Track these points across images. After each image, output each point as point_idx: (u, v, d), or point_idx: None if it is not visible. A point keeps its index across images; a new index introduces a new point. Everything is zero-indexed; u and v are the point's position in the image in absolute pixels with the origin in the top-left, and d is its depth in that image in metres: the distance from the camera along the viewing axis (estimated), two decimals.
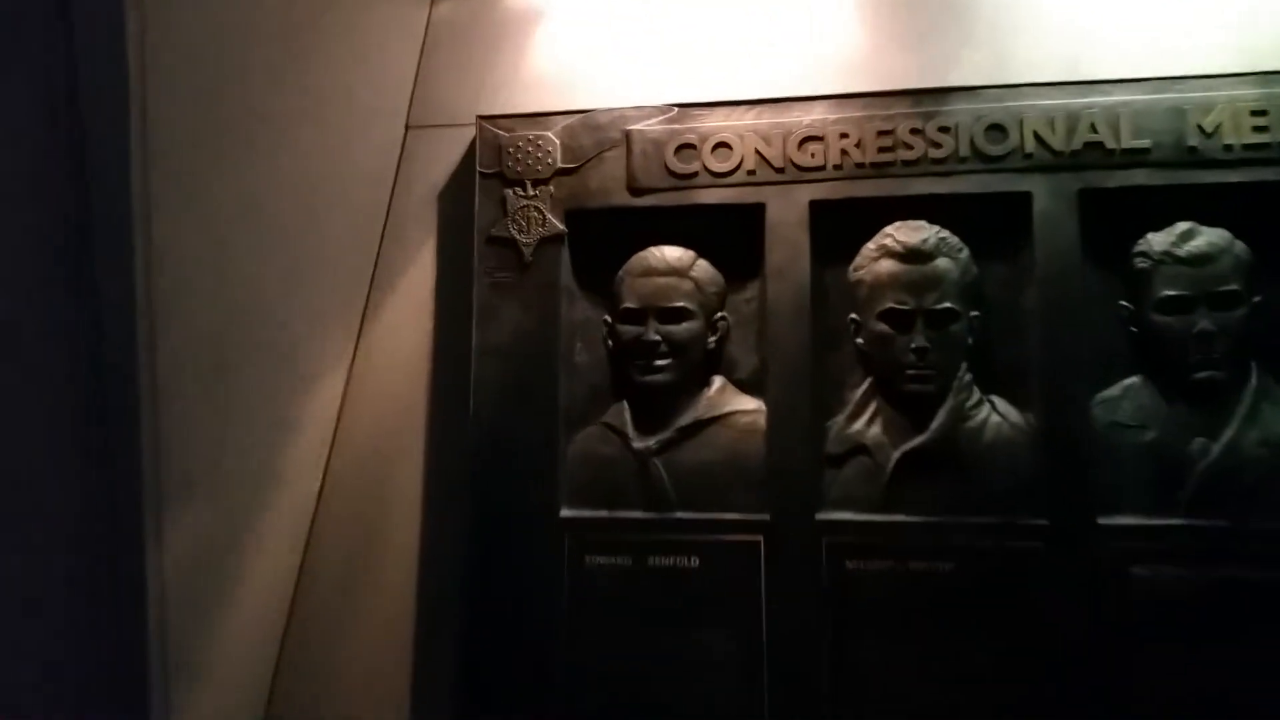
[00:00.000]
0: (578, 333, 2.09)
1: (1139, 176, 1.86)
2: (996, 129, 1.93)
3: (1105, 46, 2.01)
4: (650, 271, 2.03)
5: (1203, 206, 1.86)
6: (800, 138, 2.00)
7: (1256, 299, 1.80)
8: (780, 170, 2.00)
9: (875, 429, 1.95)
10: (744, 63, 2.17)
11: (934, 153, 1.94)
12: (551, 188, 2.10)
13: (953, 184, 1.94)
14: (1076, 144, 1.89)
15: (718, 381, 2.03)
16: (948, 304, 1.89)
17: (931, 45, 2.08)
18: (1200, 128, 1.85)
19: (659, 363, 2.00)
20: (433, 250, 2.24)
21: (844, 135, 1.98)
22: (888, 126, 1.97)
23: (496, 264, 2.10)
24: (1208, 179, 1.84)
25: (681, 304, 2.00)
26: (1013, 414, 1.91)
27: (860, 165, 1.97)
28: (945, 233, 1.92)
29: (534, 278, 2.08)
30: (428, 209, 2.26)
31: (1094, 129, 1.89)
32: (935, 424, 1.90)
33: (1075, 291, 1.86)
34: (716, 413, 2.00)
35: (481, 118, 2.15)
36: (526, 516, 2.00)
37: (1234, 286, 1.80)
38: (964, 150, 1.93)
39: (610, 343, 2.07)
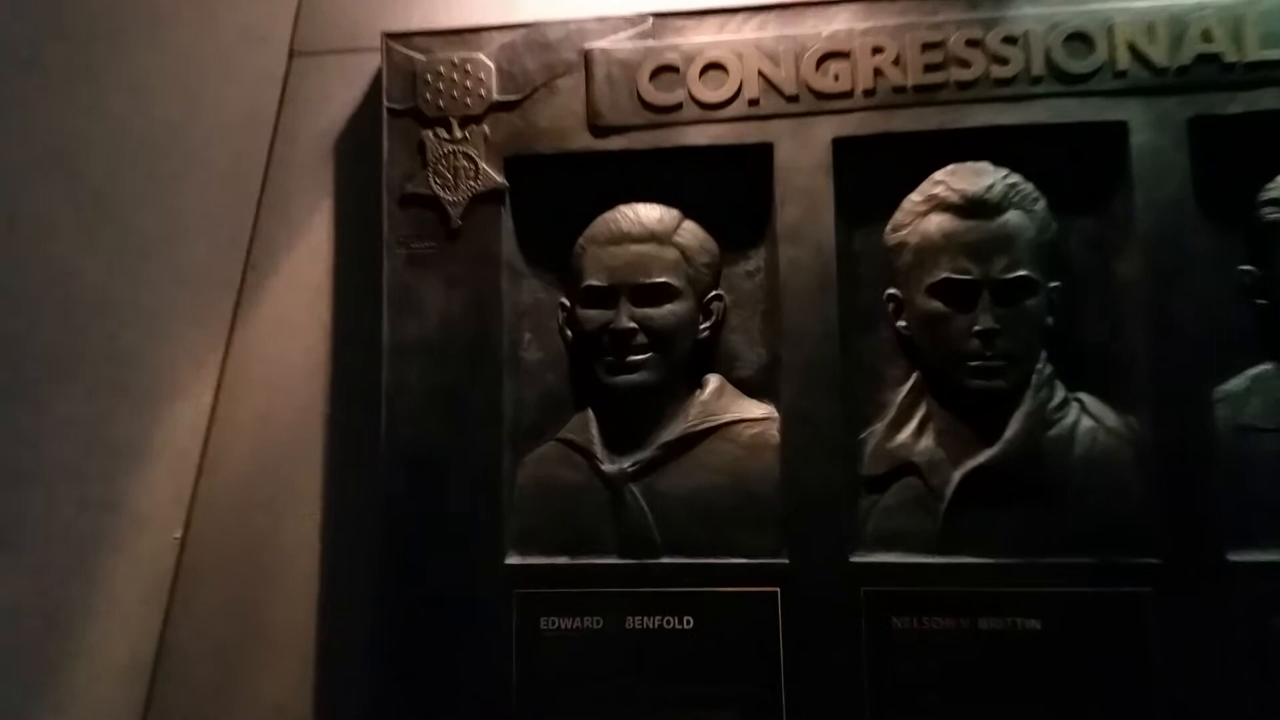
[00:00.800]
0: (525, 321, 1.56)
1: (1268, 99, 1.39)
2: (1078, 39, 1.43)
3: None
4: (621, 238, 1.49)
5: None
6: (819, 55, 1.48)
7: None
8: (793, 99, 1.48)
9: (926, 440, 1.44)
10: None
11: (997, 71, 1.44)
12: (486, 128, 1.54)
13: (1023, 112, 1.43)
14: (1185, 57, 1.40)
15: (713, 381, 1.51)
16: (1022, 271, 1.39)
17: None
18: None
19: (635, 358, 1.47)
20: (328, 216, 1.66)
21: (877, 50, 1.47)
22: (935, 37, 1.46)
23: (414, 231, 1.53)
24: None
25: (663, 279, 1.47)
26: (1109, 417, 1.42)
27: (900, 90, 1.45)
28: (1015, 177, 1.42)
29: (464, 248, 1.52)
30: (320, 161, 1.67)
31: (1207, 37, 1.40)
32: (1009, 433, 1.40)
33: (1188, 252, 1.39)
34: (713, 422, 1.48)
35: (389, 36, 1.58)
36: (460, 568, 1.46)
37: None
38: (1037, 67, 1.43)
39: (569, 333, 1.54)
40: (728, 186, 1.53)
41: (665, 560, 1.46)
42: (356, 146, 1.64)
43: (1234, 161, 1.41)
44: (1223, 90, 1.40)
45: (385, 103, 1.57)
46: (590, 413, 1.52)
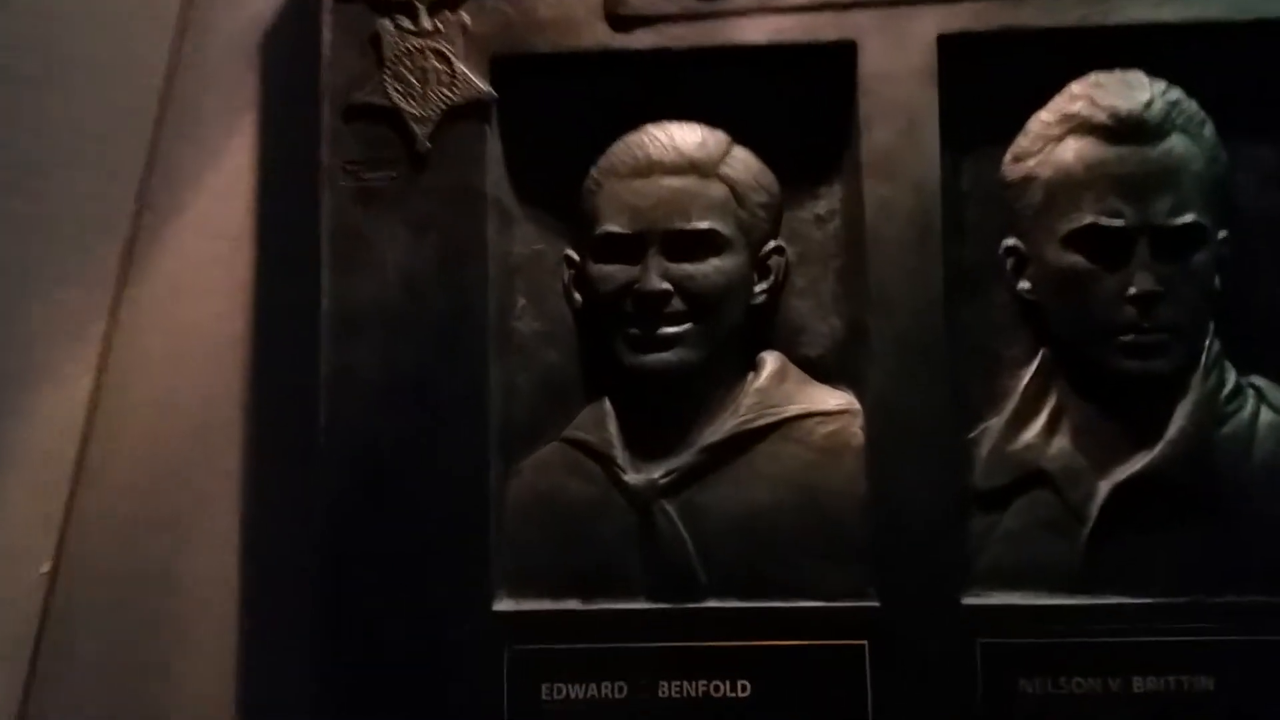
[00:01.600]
0: (519, 280, 1.15)
1: None
2: None
3: None
4: (650, 168, 1.09)
5: None
6: None
7: None
8: None
9: (1061, 441, 1.07)
10: None
11: None
12: (465, 16, 1.11)
13: (1189, 5, 1.05)
14: None
15: (772, 361, 1.12)
16: (1191, 216, 1.02)
17: None
18: None
19: (669, 330, 1.07)
20: (250, 137, 1.23)
21: None
22: None
23: (365, 156, 1.10)
24: None
25: (707, 225, 1.08)
26: None
27: None
28: (1177, 92, 1.05)
29: (435, 180, 1.10)
30: (239, 63, 1.23)
31: None
32: (1172, 431, 1.03)
33: None
34: (774, 417, 1.09)
35: None
36: (429, 616, 1.06)
37: None
38: None
39: (578, 296, 1.14)
40: (793, 101, 1.14)
41: (711, 604, 1.07)
42: (288, 43, 1.20)
43: None
44: None
45: None
46: (607, 404, 1.11)
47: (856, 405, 1.09)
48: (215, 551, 1.20)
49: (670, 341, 1.08)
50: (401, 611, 1.07)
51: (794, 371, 1.12)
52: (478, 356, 1.09)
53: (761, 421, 1.09)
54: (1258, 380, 1.08)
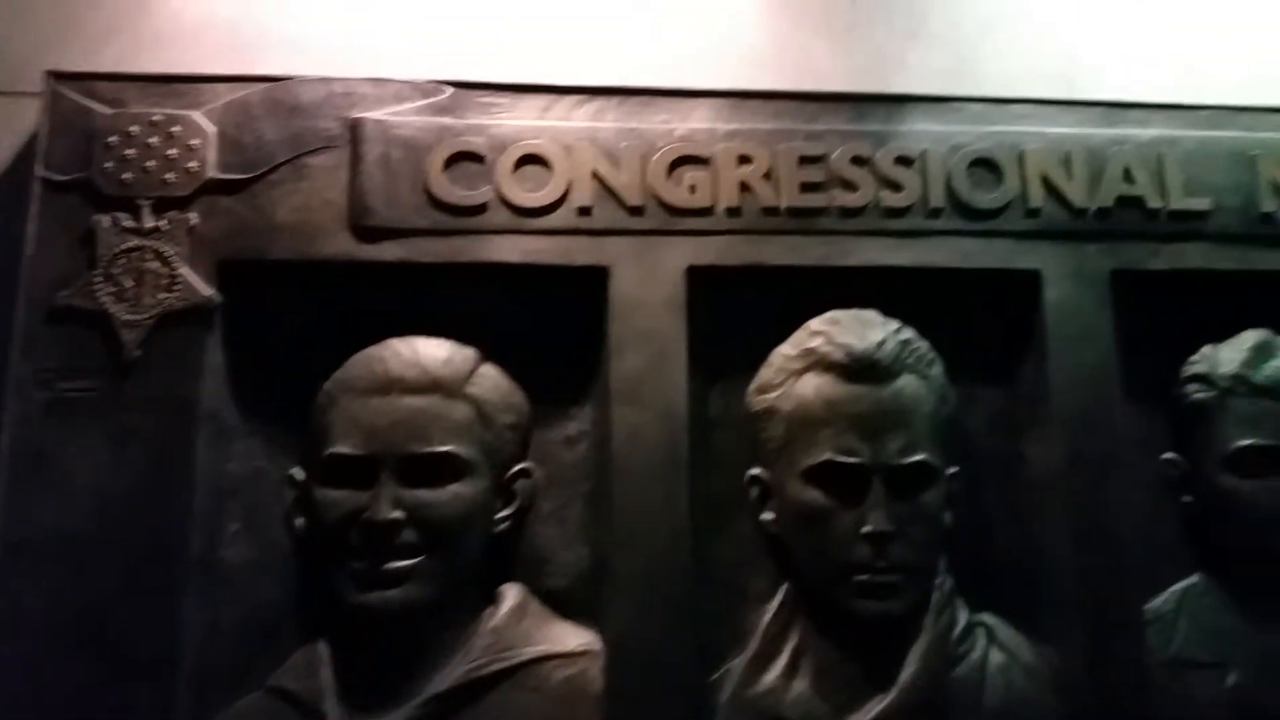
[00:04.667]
0: (234, 502, 0.99)
1: (1192, 255, 1.09)
2: (984, 166, 1.09)
3: (1114, 54, 1.22)
4: (389, 385, 0.97)
5: (1275, 306, 1.12)
6: (671, 157, 1.06)
7: None
8: (636, 211, 1.04)
9: (801, 684, 0.98)
10: (579, 26, 1.17)
11: (889, 198, 1.07)
12: (193, 216, 0.99)
13: (918, 251, 1.07)
14: (1105, 198, 1.09)
15: (512, 596, 0.99)
16: (921, 455, 0.99)
17: (867, 38, 1.20)
18: (1276, 185, 1.14)
19: (398, 564, 0.93)
20: None
21: (744, 159, 1.07)
22: (815, 150, 1.08)
23: (63, 363, 0.94)
24: None
25: (448, 448, 0.96)
26: (1024, 649, 1.02)
27: (771, 211, 1.06)
28: (909, 332, 1.04)
29: (142, 390, 0.95)
30: None
31: (1128, 176, 1.09)
32: (905, 676, 0.97)
33: (1115, 436, 1.04)
34: (509, 661, 0.95)
35: (56, 76, 1.01)
36: None
37: None
38: (936, 197, 1.07)
39: (301, 522, 0.98)
40: (547, 321, 1.06)
41: None
42: None
43: (1157, 325, 1.11)
44: (1146, 240, 1.09)
45: (38, 169, 0.98)
46: (322, 647, 0.95)
47: (598, 645, 0.97)
48: None
49: (399, 577, 0.94)
50: None
51: (535, 607, 1.00)
52: (172, 589, 0.92)
53: (495, 667, 0.95)
54: (988, 618, 1.05)
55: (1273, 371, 1.07)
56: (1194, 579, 1.09)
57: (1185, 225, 1.09)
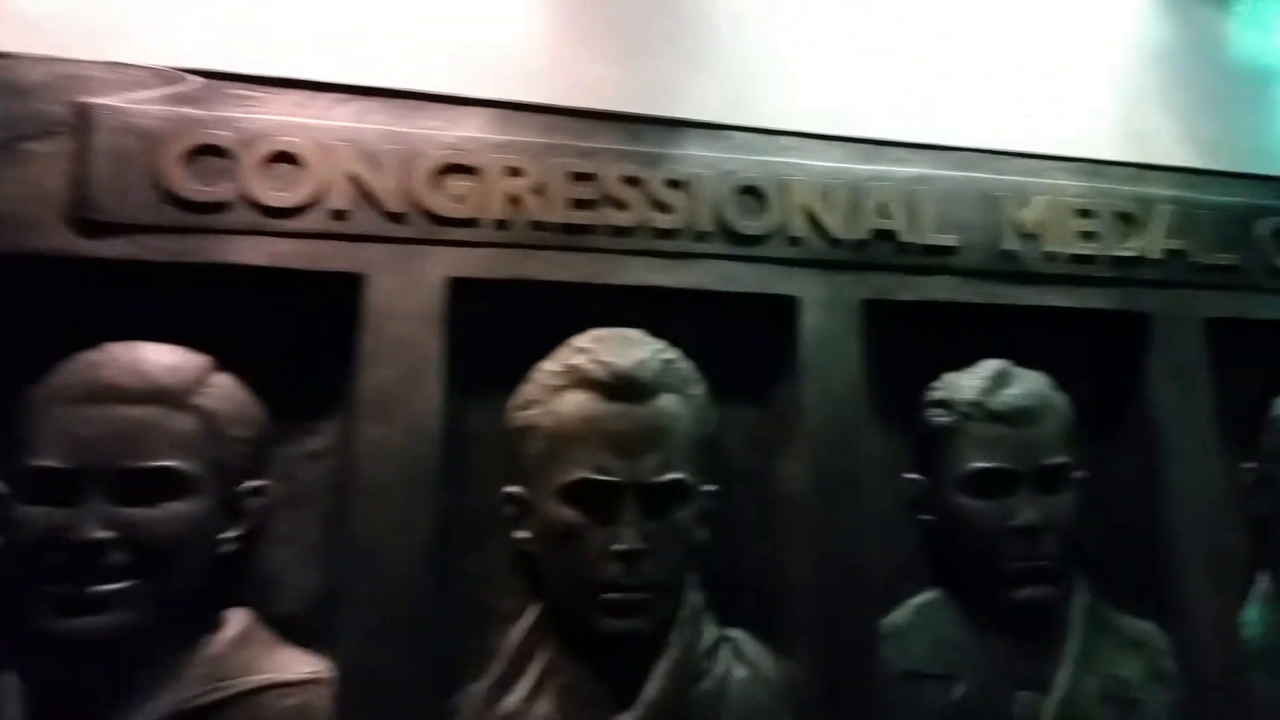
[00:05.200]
0: None
1: (938, 288, 1.16)
2: (751, 194, 1.11)
3: (877, 99, 1.26)
4: (104, 393, 0.89)
5: (1013, 337, 1.22)
6: (437, 165, 1.02)
7: (1078, 474, 1.16)
8: (397, 217, 1.00)
9: (546, 704, 0.97)
10: (347, 23, 1.10)
11: (659, 219, 1.07)
12: None
13: (685, 273, 1.07)
14: (862, 230, 1.13)
15: (236, 622, 0.93)
16: (675, 474, 0.99)
17: (647, 62, 1.21)
18: (1017, 225, 1.23)
19: (104, 587, 0.85)
20: None
21: (514, 172, 1.04)
22: (588, 167, 1.07)
23: None
24: (1028, 299, 1.18)
25: (167, 463, 0.89)
26: (765, 662, 1.05)
27: (538, 225, 1.04)
28: (672, 353, 1.05)
29: None
30: None
31: (884, 211, 1.14)
32: (649, 692, 0.97)
33: (859, 457, 1.08)
34: (230, 689, 0.89)
35: None
36: None
37: (1061, 458, 1.13)
38: (704, 221, 1.08)
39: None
40: (290, 330, 1.00)
41: None
42: None
43: (905, 352, 1.17)
44: (897, 272, 1.15)
45: None
46: (13, 680, 0.85)
47: (327, 673, 0.92)
48: None
49: (106, 601, 0.86)
50: None
51: (261, 633, 0.94)
52: None
53: (210, 698, 0.88)
54: (735, 633, 1.07)
55: (1008, 399, 1.14)
56: (932, 594, 1.15)
57: (934, 259, 1.16)
